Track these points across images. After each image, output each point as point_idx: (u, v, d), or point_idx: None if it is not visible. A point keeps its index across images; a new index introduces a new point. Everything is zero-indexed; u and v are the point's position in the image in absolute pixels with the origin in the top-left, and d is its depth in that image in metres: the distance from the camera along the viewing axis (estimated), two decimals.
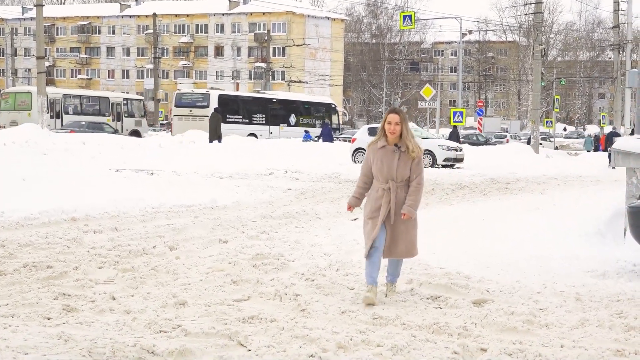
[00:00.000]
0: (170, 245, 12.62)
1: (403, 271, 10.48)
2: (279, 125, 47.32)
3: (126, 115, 57.77)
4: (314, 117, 50.99)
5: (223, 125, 42.56)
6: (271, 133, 47.38)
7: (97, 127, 50.40)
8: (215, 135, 41.46)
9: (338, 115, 55.88)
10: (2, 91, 48.62)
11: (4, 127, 41.74)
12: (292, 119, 48.89)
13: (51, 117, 51.39)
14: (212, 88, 56.17)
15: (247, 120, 48.32)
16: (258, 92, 53.48)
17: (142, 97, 68.39)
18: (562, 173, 35.99)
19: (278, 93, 55.23)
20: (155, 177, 24.56)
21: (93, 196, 17.33)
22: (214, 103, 47.77)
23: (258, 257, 11.70)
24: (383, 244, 9.09)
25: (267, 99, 48.71)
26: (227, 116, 45.01)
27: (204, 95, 49.72)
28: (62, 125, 52.08)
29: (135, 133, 54.03)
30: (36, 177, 18.30)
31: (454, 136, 54.74)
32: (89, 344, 7.13)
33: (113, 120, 55.96)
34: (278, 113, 51.26)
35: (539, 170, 36.77)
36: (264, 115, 49.89)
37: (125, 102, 58.73)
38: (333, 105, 57.59)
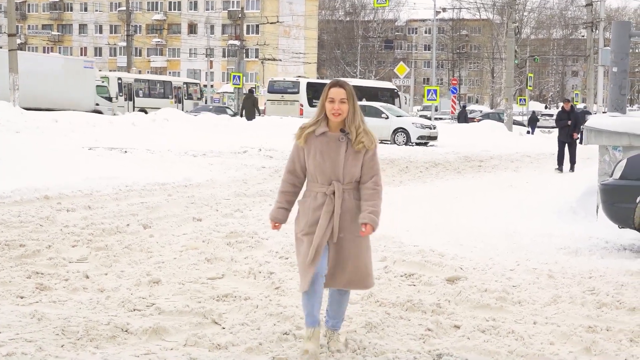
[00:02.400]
0: (144, 224, 12.58)
1: (376, 249, 10.47)
2: None
3: (185, 97, 65.24)
4: (380, 100, 53.20)
5: (309, 109, 49.53)
6: None
7: (221, 111, 59.08)
8: (252, 114, 45.03)
9: (399, 99, 59.80)
10: None
11: None
12: (363, 102, 50.37)
13: (125, 99, 58.87)
14: (300, 76, 62.71)
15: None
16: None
17: (199, 81, 75.39)
18: (535, 151, 36.13)
19: (352, 80, 61.48)
20: (129, 155, 24.46)
21: (66, 174, 17.23)
22: (303, 89, 53.31)
23: (232, 235, 11.69)
24: (325, 269, 6.42)
25: (359, 86, 53.24)
26: (313, 101, 50.41)
27: (294, 83, 55.06)
28: (133, 108, 58.96)
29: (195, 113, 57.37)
30: (8, 155, 18.17)
31: (462, 117, 55.10)
32: (62, 322, 7.11)
33: (175, 102, 61.65)
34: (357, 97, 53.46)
35: (513, 148, 36.92)
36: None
37: (185, 85, 66.05)
38: (395, 90, 61.85)
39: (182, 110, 57.35)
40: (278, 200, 6.59)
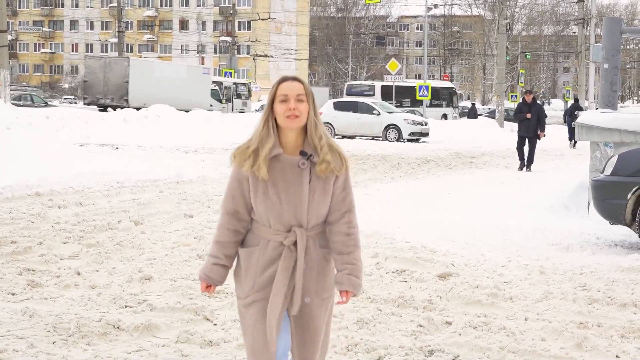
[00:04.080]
0: (136, 220, 12.56)
1: (368, 245, 10.49)
2: (419, 106, 57.06)
3: (235, 97, 66.86)
4: (441, 99, 61.11)
5: None
6: (416, 113, 55.94)
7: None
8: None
9: (457, 97, 66.37)
10: None
11: None
12: (430, 101, 58.37)
13: (227, 101, 63.67)
14: (375, 80, 68.25)
15: (399, 104, 57.18)
16: (405, 81, 64.89)
17: (248, 81, 78.07)
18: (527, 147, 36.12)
19: (420, 82, 64.49)
20: (120, 152, 24.44)
21: (57, 171, 17.21)
22: (378, 92, 59.04)
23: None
24: (287, 350, 4.76)
25: (412, 87, 58.58)
26: (387, 101, 53.00)
27: (370, 86, 61.38)
28: (232, 109, 63.14)
29: (242, 112, 61.83)
30: None
31: (472, 113, 55.61)
32: (53, 319, 7.10)
33: (227, 102, 64.38)
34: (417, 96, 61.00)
35: (504, 145, 36.95)
36: (409, 100, 60.85)
37: (235, 85, 67.85)
38: (453, 89, 67.79)
39: (232, 110, 62.50)
40: (212, 253, 4.69)
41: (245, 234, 4.68)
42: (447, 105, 64.85)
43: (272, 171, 4.49)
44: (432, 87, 58.84)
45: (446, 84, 69.98)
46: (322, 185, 4.54)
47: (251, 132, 4.59)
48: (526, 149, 24.56)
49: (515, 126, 32.45)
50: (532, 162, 24.52)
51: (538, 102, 25.36)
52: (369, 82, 62.77)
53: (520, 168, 24.37)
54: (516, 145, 24.94)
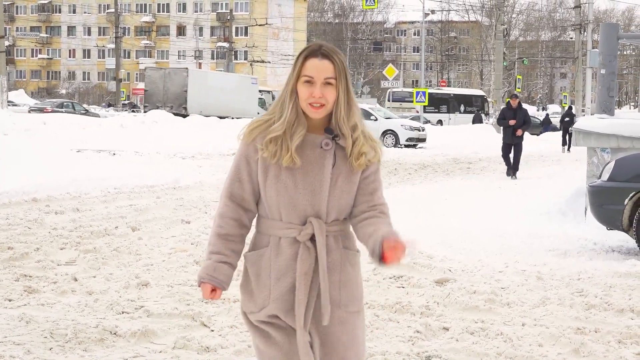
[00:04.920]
0: (133, 226, 12.55)
1: (365, 250, 10.47)
2: (454, 113, 63.08)
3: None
4: (473, 105, 66.12)
5: (424, 115, 57.12)
6: (450, 119, 62.63)
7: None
8: None
9: (487, 104, 70.70)
10: None
11: None
12: (462, 107, 65.71)
13: None
14: (415, 87, 70.70)
15: (436, 110, 63.70)
16: (439, 89, 71.98)
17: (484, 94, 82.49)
18: (524, 153, 36.13)
19: (454, 90, 75.62)
20: (117, 158, 24.44)
21: (54, 177, 17.19)
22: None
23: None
24: None
25: (447, 94, 66.71)
26: (425, 108, 59.16)
27: (410, 93, 62.57)
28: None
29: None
30: None
31: (477, 119, 56.27)
32: (50, 325, 7.09)
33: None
34: (453, 104, 68.32)
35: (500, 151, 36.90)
36: (446, 106, 66.95)
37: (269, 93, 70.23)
38: (484, 96, 72.99)
39: None
40: (214, 249, 3.85)
41: (249, 227, 3.90)
42: (479, 111, 67.87)
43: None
44: (465, 95, 67.72)
45: (478, 92, 75.65)
46: (348, 172, 3.78)
47: (272, 110, 3.83)
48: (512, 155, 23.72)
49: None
50: (517, 169, 23.64)
51: (523, 106, 24.42)
52: (410, 89, 66.71)
53: (508, 174, 23.53)
54: (501, 153, 23.99)
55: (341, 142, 3.76)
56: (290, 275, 3.77)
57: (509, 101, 24.00)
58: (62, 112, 49.31)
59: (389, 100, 66.28)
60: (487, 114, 70.29)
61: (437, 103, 65.74)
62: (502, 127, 24.17)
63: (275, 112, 3.80)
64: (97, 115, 52.89)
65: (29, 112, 51.74)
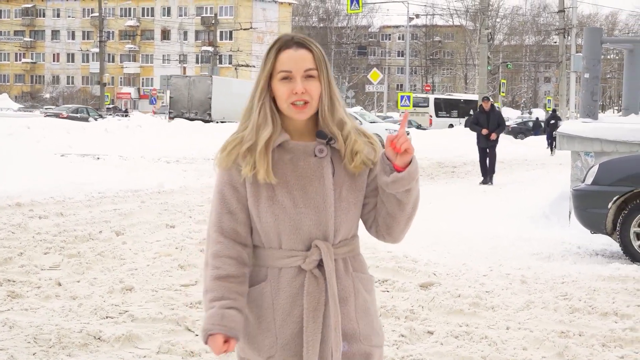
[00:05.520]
0: (117, 231, 12.53)
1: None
2: (463, 117, 64.62)
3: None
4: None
5: (437, 119, 63.69)
6: (460, 123, 64.68)
7: None
8: None
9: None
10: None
11: None
12: (471, 112, 64.19)
13: None
14: (429, 93, 76.87)
15: (447, 115, 66.34)
16: (450, 94, 76.58)
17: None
18: (508, 157, 36.26)
19: (463, 95, 78.26)
20: (102, 162, 24.38)
21: (38, 181, 17.16)
22: (431, 103, 66.87)
23: (205, 241, 11.64)
24: None
25: (457, 99, 69.67)
26: (438, 112, 64.54)
27: (424, 98, 68.45)
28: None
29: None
30: None
31: (468, 123, 57.23)
32: (34, 330, 7.07)
33: None
34: (464, 109, 70.28)
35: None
36: (457, 111, 69.26)
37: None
38: (492, 102, 74.14)
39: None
40: (216, 296, 3.22)
41: (250, 267, 3.25)
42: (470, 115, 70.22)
43: (278, 166, 3.16)
44: (473, 100, 68.02)
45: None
46: (350, 179, 3.22)
47: (241, 121, 3.26)
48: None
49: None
50: (493, 172, 22.77)
51: (497, 108, 23.88)
52: (424, 95, 70.30)
53: (484, 182, 22.45)
54: (478, 158, 23.14)
55: (337, 146, 3.20)
56: (296, 313, 3.17)
57: (481, 104, 23.34)
58: (77, 117, 51.44)
59: (402, 105, 69.08)
60: None
61: (449, 108, 69.61)
62: (475, 132, 23.32)
63: (245, 122, 3.22)
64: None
65: (45, 117, 53.18)
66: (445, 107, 68.48)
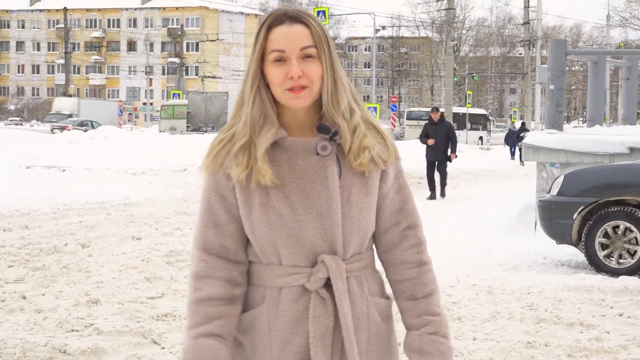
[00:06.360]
0: (83, 243, 12.45)
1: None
2: (462, 129, 67.35)
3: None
4: (479, 124, 71.60)
5: None
6: (459, 135, 71.16)
7: None
8: None
9: (489, 122, 75.96)
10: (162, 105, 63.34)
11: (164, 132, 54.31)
12: (469, 125, 69.23)
13: None
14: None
15: None
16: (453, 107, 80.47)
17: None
18: (474, 167, 36.41)
19: (461, 109, 79.12)
20: (67, 174, 24.23)
21: (2, 193, 17.01)
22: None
23: (172, 253, 11.61)
24: None
25: (457, 113, 70.95)
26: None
27: (427, 112, 70.32)
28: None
29: None
30: None
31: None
32: None
33: None
34: (463, 122, 71.94)
35: (451, 165, 37.12)
36: (456, 123, 70.73)
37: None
38: (487, 115, 77.88)
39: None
40: (192, 322, 2.70)
41: (244, 286, 2.73)
42: (483, 129, 72.81)
43: (274, 165, 2.65)
44: (470, 114, 71.33)
45: (482, 111, 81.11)
46: (361, 181, 2.68)
47: (232, 116, 2.73)
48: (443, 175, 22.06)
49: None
50: (445, 185, 21.84)
51: (447, 120, 23.06)
52: (427, 109, 74.13)
53: (431, 197, 21.26)
54: (426, 172, 21.92)
55: (341, 141, 2.67)
56: (299, 341, 2.65)
57: (430, 115, 22.06)
58: (82, 130, 51.85)
59: (407, 119, 71.43)
60: (489, 131, 75.27)
61: (454, 120, 73.06)
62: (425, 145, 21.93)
63: (236, 116, 2.71)
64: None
65: (52, 130, 53.47)
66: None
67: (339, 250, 2.64)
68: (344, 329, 2.62)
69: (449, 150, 21.70)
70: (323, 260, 2.62)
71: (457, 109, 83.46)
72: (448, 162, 21.84)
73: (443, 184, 21.74)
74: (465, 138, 67.68)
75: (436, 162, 21.58)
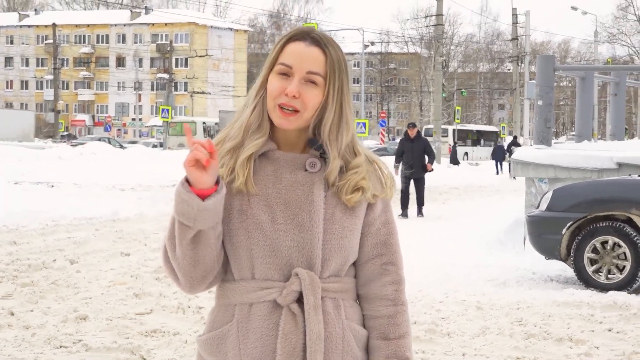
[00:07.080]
0: (71, 259, 12.42)
1: None
2: (476, 145, 74.58)
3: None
4: (490, 140, 74.03)
5: (458, 148, 64.88)
6: (473, 151, 74.34)
7: None
8: None
9: (499, 138, 76.07)
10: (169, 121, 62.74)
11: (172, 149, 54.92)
12: (482, 141, 75.78)
13: None
14: (447, 123, 78.88)
15: (463, 144, 72.45)
16: (464, 125, 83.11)
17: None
18: (464, 183, 36.46)
19: (475, 126, 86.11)
20: (55, 190, 24.18)
21: None
22: (451, 134, 71.02)
23: (161, 269, 11.57)
24: None
25: (471, 130, 77.79)
26: (458, 143, 68.19)
27: (444, 129, 70.68)
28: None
29: None
30: None
31: (453, 157, 57.13)
32: None
33: None
34: (475, 137, 78.01)
35: (440, 181, 37.20)
36: (470, 140, 76.85)
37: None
38: (497, 131, 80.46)
39: None
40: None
41: (220, 271, 2.63)
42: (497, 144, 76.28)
43: (258, 176, 2.57)
44: (481, 131, 78.11)
45: (493, 128, 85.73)
46: (345, 205, 2.60)
47: (234, 119, 2.70)
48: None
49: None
50: (422, 204, 21.14)
51: (423, 136, 22.36)
52: (444, 127, 73.08)
53: (403, 215, 20.77)
54: (401, 188, 20.92)
55: (329, 162, 2.58)
56: (264, 350, 2.53)
57: (406, 131, 21.28)
58: None
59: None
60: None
61: (464, 137, 75.78)
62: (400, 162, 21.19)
63: (236, 119, 2.68)
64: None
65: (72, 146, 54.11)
66: (461, 137, 73.84)
67: (316, 267, 2.52)
68: (308, 346, 2.47)
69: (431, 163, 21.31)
70: (297, 273, 2.50)
71: (471, 126, 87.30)
72: (425, 175, 21.32)
73: (420, 203, 21.15)
74: (476, 153, 71.96)
75: (412, 180, 21.00)
